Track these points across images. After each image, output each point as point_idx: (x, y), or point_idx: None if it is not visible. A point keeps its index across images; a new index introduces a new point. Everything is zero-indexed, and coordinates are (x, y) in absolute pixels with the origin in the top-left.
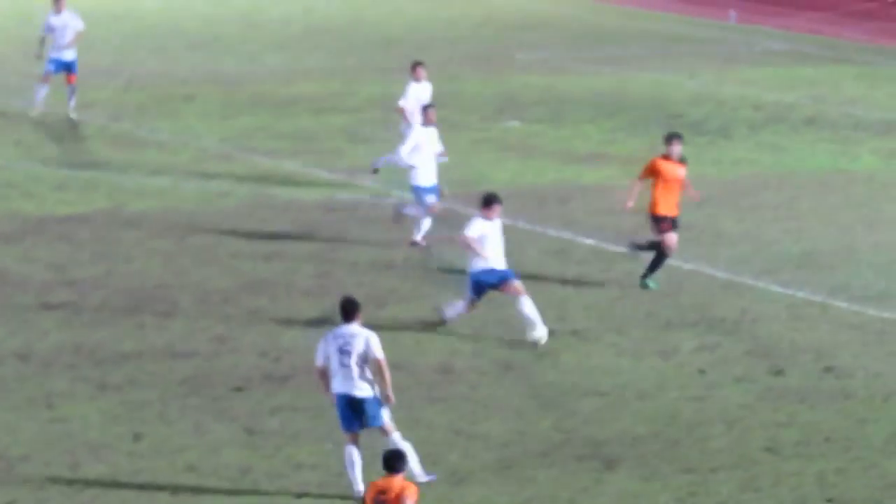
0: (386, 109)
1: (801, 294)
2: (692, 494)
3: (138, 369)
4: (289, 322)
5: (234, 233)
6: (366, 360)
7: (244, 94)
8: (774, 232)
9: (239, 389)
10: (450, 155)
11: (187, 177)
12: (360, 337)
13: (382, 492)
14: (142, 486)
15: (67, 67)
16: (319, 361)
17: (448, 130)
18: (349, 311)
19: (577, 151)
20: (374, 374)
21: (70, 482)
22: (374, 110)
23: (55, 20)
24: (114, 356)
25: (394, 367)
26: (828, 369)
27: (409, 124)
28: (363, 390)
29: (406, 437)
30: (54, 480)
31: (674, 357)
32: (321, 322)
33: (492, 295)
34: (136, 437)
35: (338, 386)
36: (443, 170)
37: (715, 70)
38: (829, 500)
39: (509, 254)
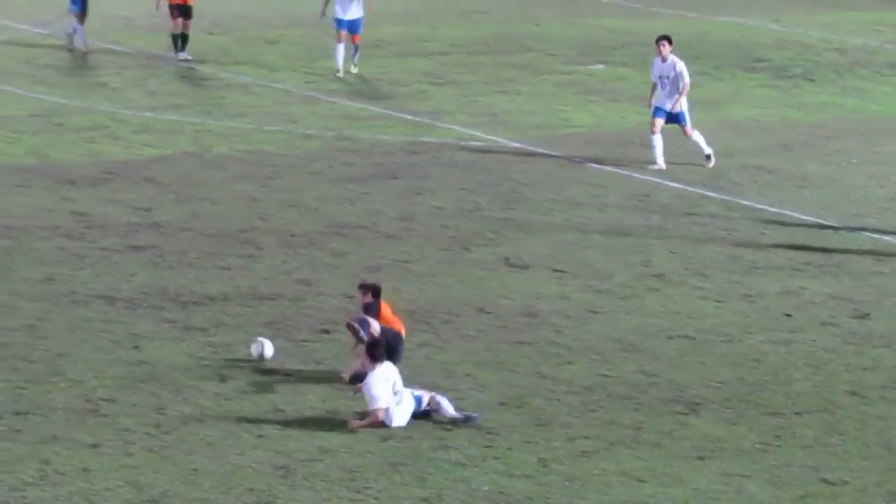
0: (469, 53)
1: (885, 238)
2: (777, 438)
3: (223, 311)
4: (373, 265)
5: (318, 175)
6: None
7: (328, 38)
8: (859, 176)
9: (324, 332)
10: (534, 98)
11: (272, 119)
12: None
13: None
14: (227, 428)
15: (352, 27)
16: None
17: (531, 74)
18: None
19: None
20: None
21: (155, 424)
22: (457, 54)
23: None
24: (199, 298)
25: (479, 310)
26: None
27: None
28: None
29: (491, 379)
30: (139, 422)
31: (759, 300)
32: (405, 264)
33: (575, 238)
34: (222, 379)
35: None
36: (526, 114)
37: (799, 14)
38: None
39: (594, 197)
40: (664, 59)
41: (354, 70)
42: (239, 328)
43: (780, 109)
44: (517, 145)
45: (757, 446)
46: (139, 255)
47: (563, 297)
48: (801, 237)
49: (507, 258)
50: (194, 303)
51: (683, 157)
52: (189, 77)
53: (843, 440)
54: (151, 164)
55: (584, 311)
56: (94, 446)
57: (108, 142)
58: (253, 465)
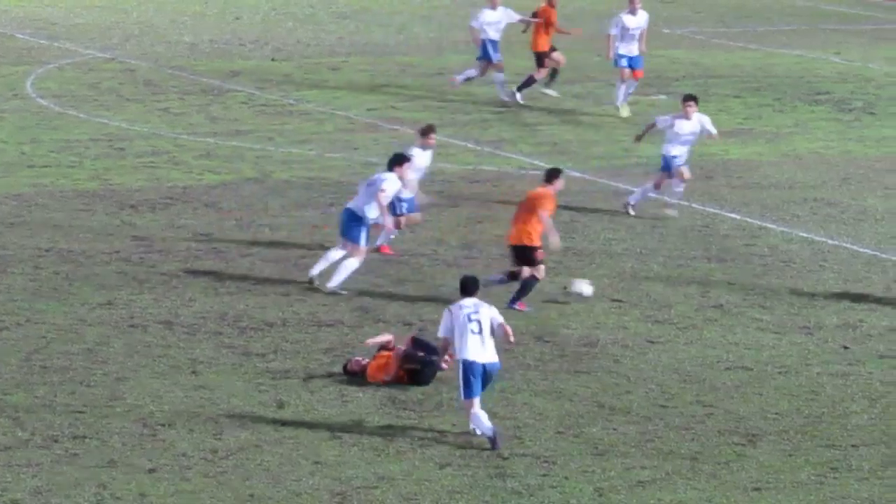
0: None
1: None
2: (833, 469)
3: (282, 338)
4: (432, 293)
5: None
6: (492, 328)
7: (391, 65)
8: None
9: None
10: (595, 128)
11: (333, 146)
12: (485, 307)
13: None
14: (284, 454)
15: (635, 63)
16: (444, 333)
17: (593, 104)
18: (470, 287)
19: (722, 126)
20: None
21: (213, 449)
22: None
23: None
24: (258, 324)
25: (538, 339)
26: None
27: None
28: (492, 356)
29: (549, 408)
30: (197, 447)
31: (817, 333)
32: None
33: (634, 268)
34: (280, 405)
35: (468, 352)
36: (587, 144)
37: (861, 47)
38: None
39: (654, 227)
40: None
41: (625, 112)
42: (297, 354)
43: (841, 142)
44: (578, 175)
45: (813, 478)
46: (199, 280)
47: (622, 326)
48: (860, 270)
49: (566, 287)
50: (253, 328)
51: (745, 189)
52: (251, 103)
53: None
54: (212, 190)
55: (642, 340)
56: (152, 471)
57: (170, 167)
58: (310, 491)
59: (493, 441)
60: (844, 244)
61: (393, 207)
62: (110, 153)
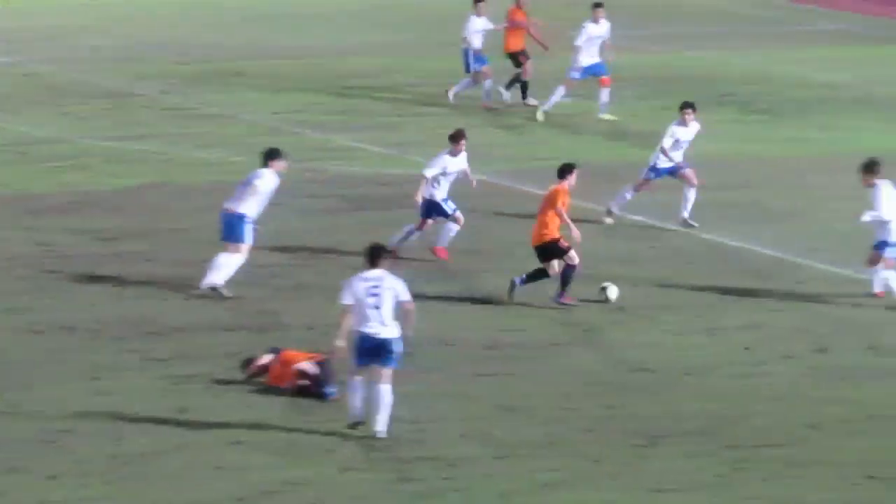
0: (439, 85)
1: (846, 272)
2: (736, 470)
3: (185, 342)
4: (335, 297)
5: (283, 207)
6: (393, 302)
7: (297, 69)
8: (821, 211)
9: None
10: (503, 132)
11: (237, 150)
12: (389, 280)
13: None
14: (186, 460)
15: (598, 70)
16: (347, 300)
17: (502, 106)
18: (375, 256)
19: (627, 129)
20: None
21: (113, 455)
22: (427, 86)
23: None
24: (160, 329)
25: (441, 342)
26: (872, 347)
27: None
28: (391, 331)
29: (452, 410)
30: (98, 453)
31: (720, 334)
32: None
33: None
34: (182, 411)
35: (366, 326)
36: (495, 147)
37: (765, 49)
38: (871, 477)
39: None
40: None
41: (608, 117)
42: (200, 359)
43: (745, 144)
44: (484, 178)
45: (716, 479)
46: (101, 285)
47: (525, 329)
48: (763, 271)
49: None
50: (155, 333)
51: (648, 191)
52: (155, 107)
53: (801, 473)
54: (116, 194)
55: (546, 343)
56: (52, 478)
57: (74, 171)
58: (212, 497)
59: (353, 422)
60: (747, 245)
61: (443, 210)
62: (13, 158)
